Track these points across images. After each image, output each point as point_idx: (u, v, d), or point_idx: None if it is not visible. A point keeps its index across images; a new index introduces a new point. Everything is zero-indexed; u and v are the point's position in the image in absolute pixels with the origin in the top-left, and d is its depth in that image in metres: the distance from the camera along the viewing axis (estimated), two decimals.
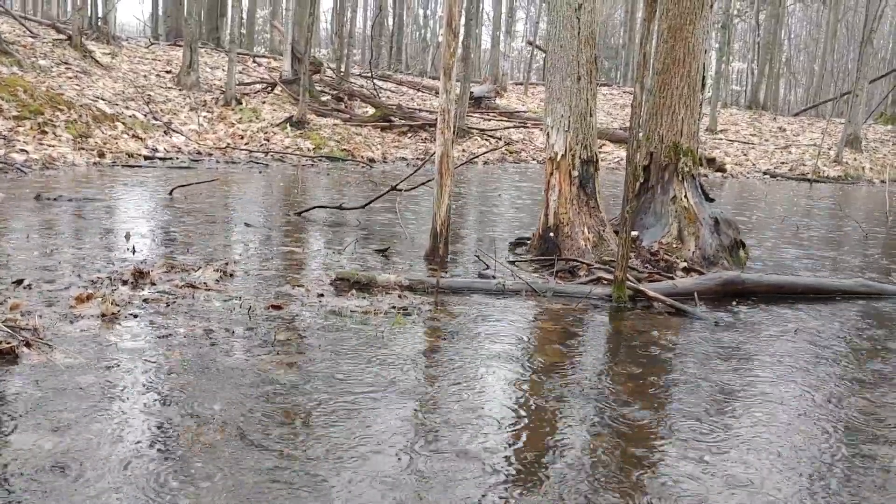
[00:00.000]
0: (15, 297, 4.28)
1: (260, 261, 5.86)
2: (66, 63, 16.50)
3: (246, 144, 15.01)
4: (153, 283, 4.84)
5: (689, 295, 5.26)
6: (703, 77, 6.78)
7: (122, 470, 2.51)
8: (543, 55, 29.94)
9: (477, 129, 20.13)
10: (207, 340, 3.85)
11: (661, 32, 6.70)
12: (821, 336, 4.68)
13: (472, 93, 21.36)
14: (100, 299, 4.33)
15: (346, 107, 19.78)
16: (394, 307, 4.70)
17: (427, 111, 20.41)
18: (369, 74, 22.18)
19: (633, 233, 6.16)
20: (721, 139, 24.42)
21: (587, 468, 2.74)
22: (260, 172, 12.69)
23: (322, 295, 4.88)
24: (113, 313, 4.12)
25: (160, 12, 29.79)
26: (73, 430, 2.76)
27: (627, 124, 12.63)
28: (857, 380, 3.87)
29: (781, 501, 2.57)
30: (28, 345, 3.51)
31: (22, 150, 11.13)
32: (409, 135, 18.58)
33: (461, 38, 16.13)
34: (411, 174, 9.06)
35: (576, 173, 6.30)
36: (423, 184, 8.64)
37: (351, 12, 27.76)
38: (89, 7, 21.33)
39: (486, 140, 19.55)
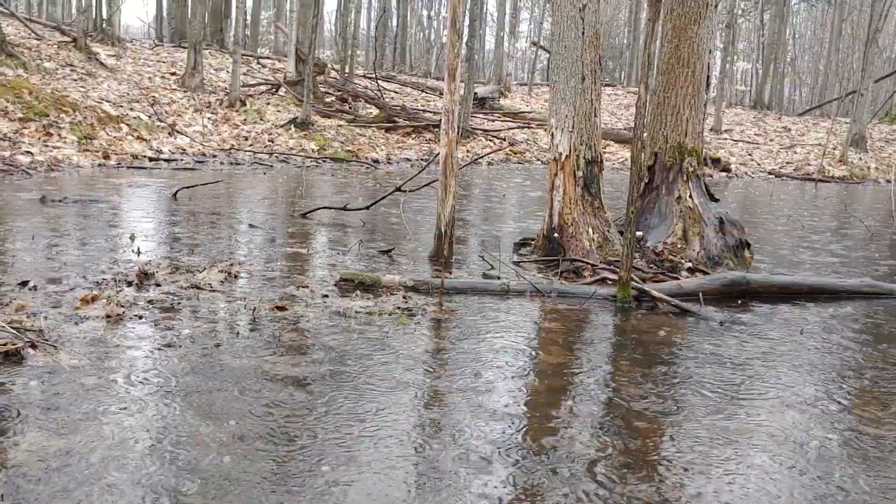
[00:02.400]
0: (20, 299, 4.29)
1: (264, 262, 5.87)
2: (70, 65, 16.55)
3: (250, 146, 15.03)
4: (158, 285, 4.85)
5: (693, 295, 5.24)
6: (708, 77, 6.77)
7: (125, 472, 2.51)
8: (547, 56, 29.93)
9: (481, 129, 20.13)
10: (212, 341, 3.85)
11: (666, 33, 6.69)
12: (826, 336, 4.66)
13: (476, 93, 21.35)
14: (105, 300, 4.34)
15: (350, 108, 19.79)
16: (398, 308, 4.70)
17: (431, 112, 20.41)
18: (373, 75, 22.19)
19: (638, 233, 6.15)
20: (726, 139, 24.39)
21: (591, 466, 2.73)
22: (264, 173, 12.70)
23: (326, 296, 4.88)
24: (118, 314, 4.13)
25: (164, 14, 29.85)
26: (78, 431, 2.77)
27: (631, 125, 12.62)
28: (863, 380, 3.85)
29: (785, 500, 2.56)
30: (33, 346, 3.51)
31: (27, 152, 11.16)
32: (414, 136, 18.58)
33: (465, 38, 16.14)
34: (415, 175, 9.05)
35: (580, 174, 6.29)
36: (427, 185, 8.64)
37: (355, 13, 27.78)
38: (94, 9, 21.38)
39: (490, 141, 19.55)
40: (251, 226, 7.45)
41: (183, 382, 3.29)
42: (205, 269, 5.33)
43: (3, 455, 2.57)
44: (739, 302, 5.38)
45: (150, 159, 12.76)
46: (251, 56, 24.77)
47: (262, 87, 19.72)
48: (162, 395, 3.14)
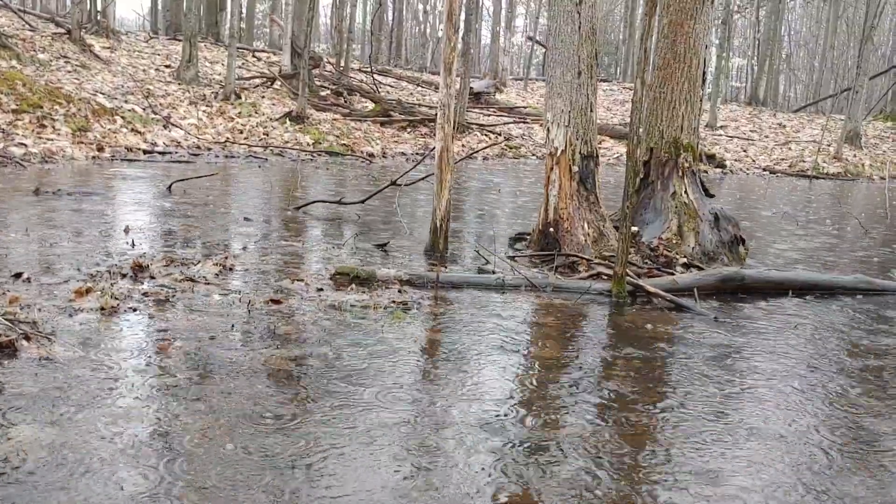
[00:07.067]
0: (14, 291, 4.27)
1: (259, 255, 5.86)
2: (65, 57, 16.46)
3: (245, 139, 14.98)
4: (152, 277, 4.83)
5: (688, 290, 5.26)
6: (704, 73, 6.77)
7: (119, 464, 2.51)
8: (543, 51, 29.92)
9: (477, 124, 20.10)
10: (206, 334, 3.84)
11: (662, 28, 6.69)
12: (820, 332, 4.68)
13: (471, 88, 21.32)
14: (99, 293, 4.33)
15: (345, 102, 19.74)
16: (393, 302, 4.69)
17: (427, 106, 20.37)
18: (369, 69, 22.14)
19: (633, 228, 6.16)
20: (721, 135, 24.40)
21: (586, 463, 2.73)
22: (259, 167, 12.67)
23: (321, 289, 4.87)
24: (112, 307, 4.11)
25: (159, 6, 29.70)
26: (72, 423, 2.76)
27: (627, 120, 12.59)
28: (856, 375, 3.87)
29: (779, 493, 2.57)
30: (27, 338, 3.50)
31: (21, 144, 11.10)
32: (409, 130, 18.55)
33: (461, 33, 16.10)
34: (411, 169, 9.06)
35: (576, 168, 6.29)
36: (422, 179, 8.63)
37: (350, 7, 27.71)
38: (88, 1, 21.27)
39: (486, 135, 19.53)
40: (246, 219, 7.43)
41: (177, 375, 3.28)
42: (199, 262, 5.32)
43: None
44: (734, 297, 5.39)
45: (145, 152, 12.69)
46: (246, 49, 24.67)
47: (258, 81, 19.65)
48: (156, 388, 3.14)
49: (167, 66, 19.03)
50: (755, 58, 39.49)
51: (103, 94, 14.80)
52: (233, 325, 4.02)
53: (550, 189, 6.38)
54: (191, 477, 2.45)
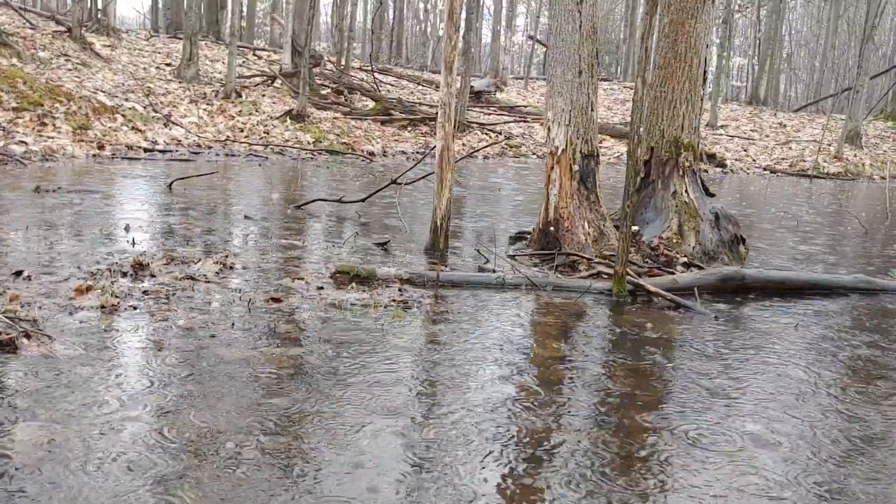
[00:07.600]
0: (14, 289, 4.27)
1: (260, 253, 5.85)
2: (65, 55, 16.46)
3: (245, 137, 14.98)
4: (153, 275, 4.83)
5: (689, 290, 5.25)
6: (704, 72, 6.76)
7: (120, 462, 2.51)
8: (544, 50, 29.91)
9: (477, 123, 20.09)
10: (207, 332, 3.84)
11: (663, 27, 6.68)
12: (820, 331, 4.68)
13: (472, 87, 21.31)
14: (99, 291, 4.33)
15: (346, 100, 19.73)
16: (393, 300, 4.69)
17: (427, 105, 20.36)
18: (369, 68, 22.13)
19: (634, 227, 6.15)
20: (721, 135, 24.38)
21: (584, 462, 2.73)
22: (259, 165, 12.66)
23: (322, 288, 4.87)
24: (112, 305, 4.11)
25: (160, 5, 29.69)
26: (72, 421, 2.76)
27: (627, 119, 12.59)
28: (855, 373, 3.87)
29: (780, 494, 2.57)
30: (27, 336, 3.50)
31: (21, 142, 11.10)
32: (410, 128, 18.54)
33: (462, 31, 16.09)
34: (411, 168, 9.05)
35: (576, 168, 6.29)
36: (423, 177, 8.63)
37: (351, 6, 27.70)
38: None
39: (487, 134, 19.51)
40: (246, 217, 7.43)
41: (177, 373, 3.29)
42: (200, 260, 5.32)
43: None
44: (734, 297, 5.39)
45: (145, 150, 12.69)
46: (247, 47, 24.65)
47: (258, 79, 19.63)
48: (156, 386, 3.14)
49: (168, 65, 19.02)
50: (756, 57, 39.46)
51: (104, 92, 14.80)
52: (233, 324, 4.02)
53: (551, 188, 6.38)
54: (191, 475, 2.45)
